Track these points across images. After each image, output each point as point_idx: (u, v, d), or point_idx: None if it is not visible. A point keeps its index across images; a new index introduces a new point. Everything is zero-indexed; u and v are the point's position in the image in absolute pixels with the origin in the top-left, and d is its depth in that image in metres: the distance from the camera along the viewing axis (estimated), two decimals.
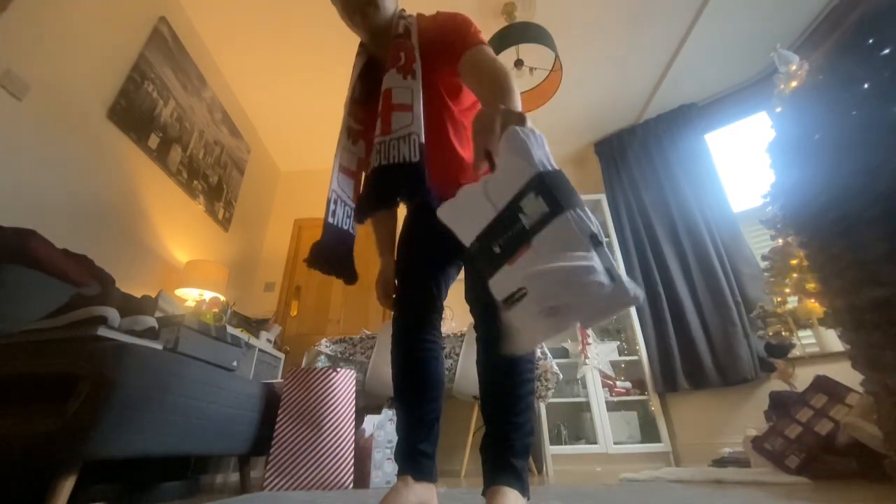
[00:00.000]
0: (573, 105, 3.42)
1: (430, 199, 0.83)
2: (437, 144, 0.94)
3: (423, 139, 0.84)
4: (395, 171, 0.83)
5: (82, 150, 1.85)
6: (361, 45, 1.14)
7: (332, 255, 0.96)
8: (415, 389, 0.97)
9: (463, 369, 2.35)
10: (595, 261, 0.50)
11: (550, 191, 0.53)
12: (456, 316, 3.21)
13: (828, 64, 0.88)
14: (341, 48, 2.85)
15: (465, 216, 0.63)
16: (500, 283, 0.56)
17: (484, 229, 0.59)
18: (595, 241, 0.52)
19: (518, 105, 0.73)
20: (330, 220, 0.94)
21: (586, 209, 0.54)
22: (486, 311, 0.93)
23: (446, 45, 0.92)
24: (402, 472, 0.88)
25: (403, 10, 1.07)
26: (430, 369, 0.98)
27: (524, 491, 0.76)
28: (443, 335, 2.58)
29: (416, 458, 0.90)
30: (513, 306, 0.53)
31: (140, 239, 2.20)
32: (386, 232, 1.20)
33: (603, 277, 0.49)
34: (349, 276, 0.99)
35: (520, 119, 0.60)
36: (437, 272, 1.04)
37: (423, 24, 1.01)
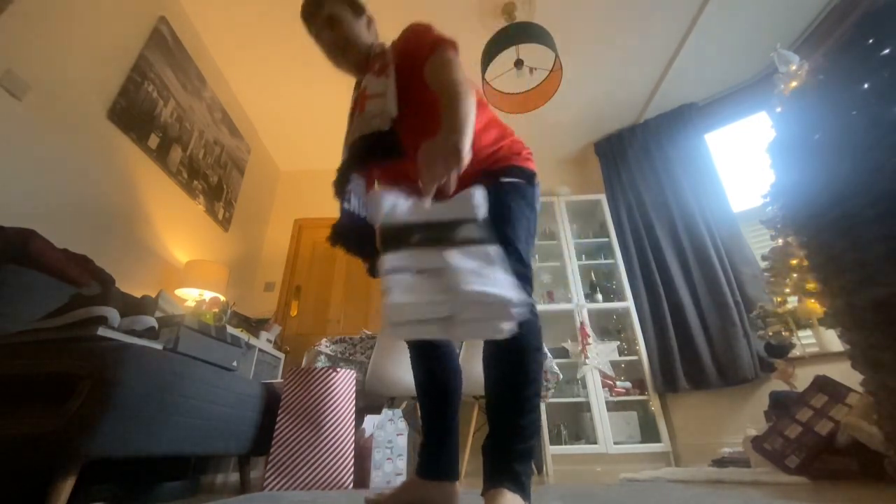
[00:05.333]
0: (573, 105, 3.42)
1: (405, 159, 0.91)
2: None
3: (394, 114, 0.91)
4: (368, 138, 0.93)
5: (82, 150, 1.85)
6: (357, 81, 1.20)
7: (352, 234, 0.96)
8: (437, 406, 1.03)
9: (463, 369, 2.35)
10: (501, 291, 0.64)
11: (486, 229, 0.75)
12: None
13: (828, 64, 0.88)
14: None
15: (398, 208, 0.80)
16: (394, 259, 0.73)
17: (409, 223, 0.77)
18: (521, 278, 0.73)
19: (464, 124, 0.76)
20: (346, 206, 0.95)
21: (505, 256, 0.73)
22: None
23: (413, 59, 0.97)
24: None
25: (382, 43, 1.16)
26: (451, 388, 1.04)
27: (525, 495, 0.75)
28: None
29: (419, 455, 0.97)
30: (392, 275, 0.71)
31: (140, 239, 2.20)
32: None
33: (494, 298, 0.64)
34: (371, 255, 0.94)
35: (457, 161, 0.72)
36: None
37: (395, 44, 1.08)
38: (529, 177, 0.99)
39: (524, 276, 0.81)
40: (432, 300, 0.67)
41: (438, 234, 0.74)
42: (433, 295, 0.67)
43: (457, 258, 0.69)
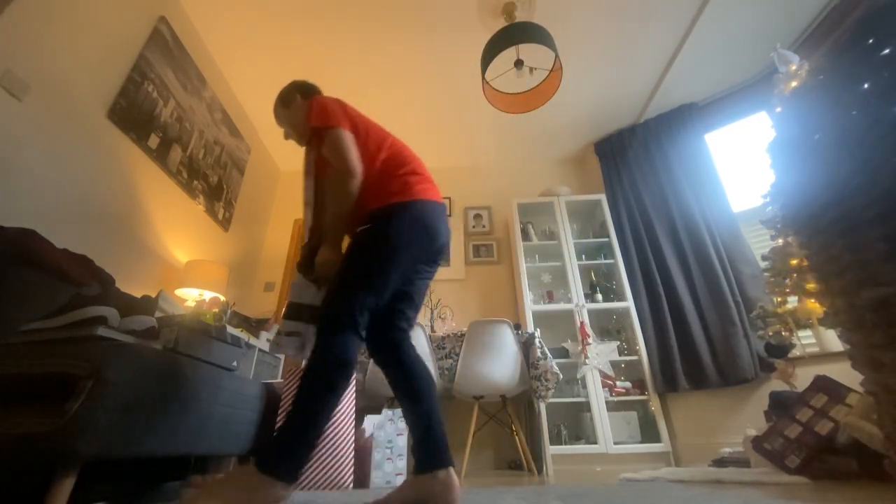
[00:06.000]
0: (573, 105, 3.42)
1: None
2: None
3: (310, 224, 1.30)
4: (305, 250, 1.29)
5: (82, 150, 1.85)
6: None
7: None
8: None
9: (463, 369, 2.35)
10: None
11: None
12: (456, 316, 3.21)
13: (828, 64, 0.88)
14: (340, 49, 2.85)
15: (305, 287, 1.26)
16: (290, 324, 1.23)
17: (306, 298, 1.25)
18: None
19: (333, 237, 1.19)
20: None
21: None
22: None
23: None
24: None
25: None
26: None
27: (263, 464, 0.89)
28: (443, 335, 2.58)
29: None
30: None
31: (140, 239, 2.20)
32: None
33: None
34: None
35: (335, 266, 1.14)
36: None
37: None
38: (385, 214, 1.13)
39: (328, 317, 1.03)
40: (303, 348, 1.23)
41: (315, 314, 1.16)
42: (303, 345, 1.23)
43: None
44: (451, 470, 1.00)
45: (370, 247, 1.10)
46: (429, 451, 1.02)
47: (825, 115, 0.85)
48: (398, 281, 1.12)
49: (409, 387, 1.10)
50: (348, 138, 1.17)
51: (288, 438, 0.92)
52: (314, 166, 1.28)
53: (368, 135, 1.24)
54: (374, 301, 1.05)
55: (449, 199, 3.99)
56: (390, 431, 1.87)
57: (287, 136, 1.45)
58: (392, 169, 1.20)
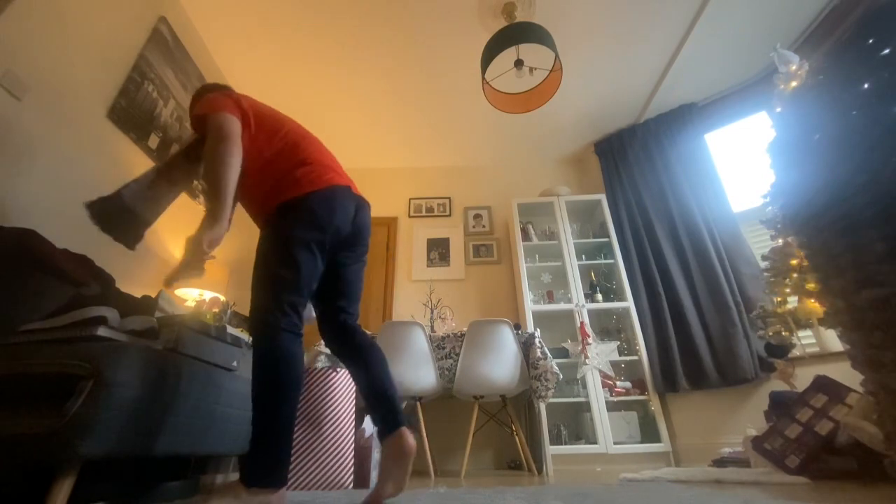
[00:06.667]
0: (573, 105, 3.42)
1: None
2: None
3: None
4: None
5: (82, 150, 1.85)
6: None
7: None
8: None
9: (463, 369, 2.35)
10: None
11: None
12: (456, 316, 3.21)
13: (828, 64, 0.88)
14: (340, 50, 2.85)
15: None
16: None
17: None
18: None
19: (211, 179, 1.12)
20: None
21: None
22: None
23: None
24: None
25: None
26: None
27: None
28: (443, 335, 2.58)
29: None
30: None
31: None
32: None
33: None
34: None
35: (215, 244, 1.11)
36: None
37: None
38: (281, 210, 1.14)
39: (255, 322, 1.08)
40: None
41: None
42: None
43: None
44: (404, 428, 1.09)
45: (273, 247, 1.13)
46: (388, 417, 1.11)
47: (825, 115, 0.86)
48: (317, 273, 1.15)
49: (373, 367, 1.18)
50: (230, 119, 1.16)
51: (257, 447, 0.97)
52: (193, 149, 1.33)
53: (262, 123, 1.25)
54: (295, 297, 1.08)
55: (449, 199, 3.99)
56: None
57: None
58: (283, 163, 1.20)
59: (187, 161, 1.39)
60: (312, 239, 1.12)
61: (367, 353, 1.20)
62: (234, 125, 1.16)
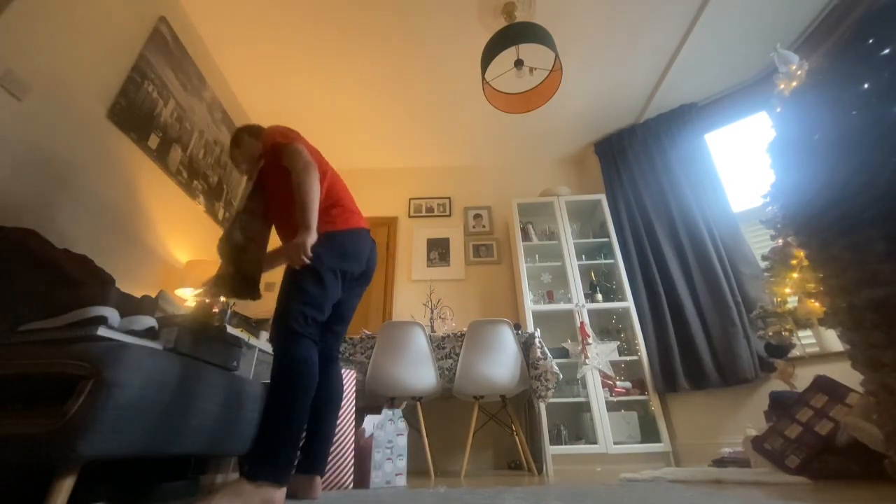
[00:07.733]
0: (573, 105, 3.42)
1: None
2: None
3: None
4: None
5: (82, 150, 1.85)
6: None
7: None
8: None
9: (463, 369, 2.35)
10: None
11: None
12: (456, 316, 3.21)
13: (828, 64, 0.88)
14: (340, 50, 2.85)
15: None
16: None
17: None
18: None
19: (304, 200, 1.29)
20: None
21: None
22: None
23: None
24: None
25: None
26: None
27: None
28: (443, 335, 2.58)
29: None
30: None
31: (140, 239, 2.20)
32: None
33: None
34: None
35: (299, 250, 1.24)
36: None
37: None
38: (319, 239, 1.28)
39: (279, 327, 1.19)
40: None
41: None
42: None
43: None
44: (318, 478, 1.25)
45: (306, 267, 1.25)
46: (309, 457, 1.27)
47: (825, 116, 0.86)
48: (336, 296, 1.32)
49: (320, 401, 1.30)
50: (307, 150, 1.37)
51: (266, 442, 1.03)
52: (262, 177, 1.47)
53: (317, 162, 1.43)
54: (316, 312, 1.23)
55: (449, 199, 3.99)
56: (390, 431, 1.87)
57: (242, 172, 1.68)
58: (323, 201, 1.38)
59: (258, 192, 1.50)
60: (338, 267, 1.32)
61: (332, 392, 1.38)
62: (310, 156, 1.36)
